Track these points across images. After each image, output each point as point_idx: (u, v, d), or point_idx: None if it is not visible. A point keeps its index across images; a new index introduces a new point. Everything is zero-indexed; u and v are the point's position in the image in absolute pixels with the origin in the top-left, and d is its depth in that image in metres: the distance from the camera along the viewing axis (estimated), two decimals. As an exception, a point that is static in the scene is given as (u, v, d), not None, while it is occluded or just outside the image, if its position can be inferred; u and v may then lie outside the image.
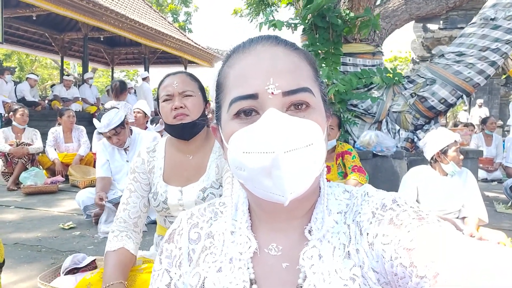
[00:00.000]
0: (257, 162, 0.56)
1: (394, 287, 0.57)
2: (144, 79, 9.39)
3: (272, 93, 0.59)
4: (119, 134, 3.33)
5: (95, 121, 3.35)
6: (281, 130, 0.56)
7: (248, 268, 0.66)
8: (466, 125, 9.07)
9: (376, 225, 0.60)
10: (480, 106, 12.66)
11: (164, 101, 1.61)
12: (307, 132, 0.58)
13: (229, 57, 0.68)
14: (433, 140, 2.82)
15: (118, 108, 3.55)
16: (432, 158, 2.84)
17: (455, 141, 2.76)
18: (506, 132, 11.80)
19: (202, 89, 1.69)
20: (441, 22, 13.70)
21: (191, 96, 1.60)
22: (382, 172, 4.02)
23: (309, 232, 0.66)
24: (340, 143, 3.48)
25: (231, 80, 0.64)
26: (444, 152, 2.75)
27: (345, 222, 0.66)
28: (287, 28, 4.49)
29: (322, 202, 0.67)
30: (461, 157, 2.78)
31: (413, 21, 6.12)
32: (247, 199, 0.73)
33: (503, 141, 7.38)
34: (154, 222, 3.32)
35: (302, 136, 0.57)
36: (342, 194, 0.71)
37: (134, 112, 4.93)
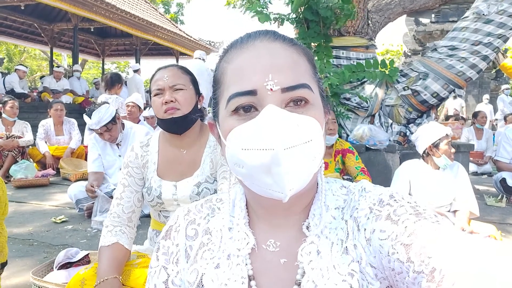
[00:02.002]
0: (256, 158, 0.56)
1: (392, 282, 0.58)
2: (135, 71, 9.29)
3: (271, 89, 0.59)
4: (110, 130, 3.29)
5: (85, 117, 3.30)
6: (280, 127, 0.56)
7: (246, 264, 0.66)
8: (457, 119, 9.15)
9: (374, 220, 0.61)
10: (454, 97, 11.93)
11: (155, 95, 1.59)
12: (306, 129, 0.58)
13: (226, 52, 0.67)
14: (425, 134, 2.84)
15: (108, 103, 3.50)
16: (424, 152, 2.87)
17: (447, 134, 2.79)
18: (495, 126, 11.90)
19: (194, 82, 1.67)
20: (433, 15, 13.74)
21: (182, 89, 1.58)
22: (375, 166, 4.04)
23: (307, 228, 0.66)
24: (338, 140, 3.46)
25: (228, 76, 0.64)
26: (436, 145, 2.78)
27: (342, 218, 0.66)
28: (274, 22, 4.43)
29: (319, 198, 0.67)
30: (453, 150, 2.81)
31: (406, 14, 6.13)
32: (244, 195, 0.73)
33: (493, 134, 7.47)
34: (147, 216, 3.31)
35: (301, 133, 0.57)
36: (340, 190, 0.71)
37: (128, 106, 4.87)
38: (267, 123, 0.56)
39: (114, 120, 3.30)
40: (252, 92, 0.60)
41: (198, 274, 0.67)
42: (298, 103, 0.61)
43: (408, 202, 0.61)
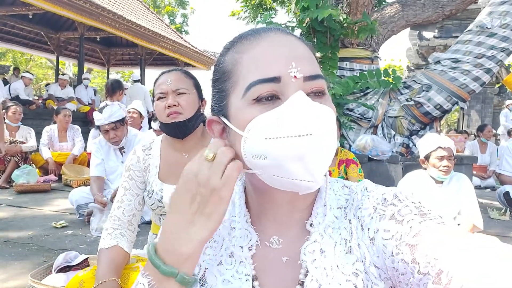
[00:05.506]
0: (289, 146, 0.54)
1: (394, 282, 0.57)
2: (136, 81, 9.32)
3: (295, 76, 0.58)
4: (117, 129, 3.28)
5: (96, 113, 3.31)
6: (315, 112, 0.55)
7: (248, 262, 0.65)
8: (460, 132, 9.12)
9: (377, 220, 0.60)
10: None
11: (158, 99, 1.60)
12: (332, 120, 0.58)
13: (234, 44, 0.65)
14: (420, 146, 2.82)
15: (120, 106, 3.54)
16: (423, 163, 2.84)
17: (439, 147, 2.67)
18: (498, 141, 11.87)
19: (197, 87, 1.67)
20: (436, 30, 13.84)
21: (185, 94, 1.58)
22: (377, 176, 4.02)
23: (311, 225, 0.65)
24: (343, 149, 3.46)
25: (245, 65, 0.61)
26: (427, 158, 2.74)
27: (345, 217, 0.65)
28: None
29: (322, 196, 0.67)
30: (445, 163, 2.66)
31: (409, 28, 6.18)
32: (243, 193, 0.72)
33: (497, 149, 7.45)
34: (148, 223, 3.29)
35: (329, 123, 0.57)
36: (341, 190, 0.70)
37: (129, 113, 4.89)
38: (302, 108, 0.55)
39: (122, 121, 3.32)
40: (276, 79, 0.58)
41: (201, 269, 0.66)
42: (317, 94, 0.60)
43: (412, 202, 0.60)
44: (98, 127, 3.31)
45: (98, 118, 3.24)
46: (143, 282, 0.57)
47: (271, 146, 0.55)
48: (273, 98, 0.58)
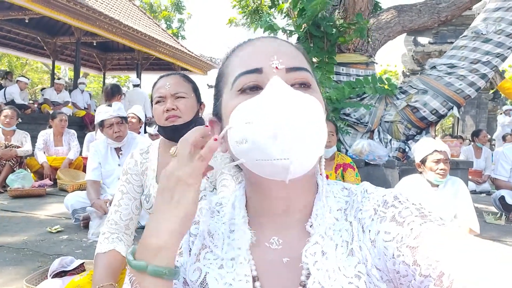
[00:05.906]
0: (263, 125, 0.55)
1: (396, 284, 0.57)
2: (136, 86, 9.30)
3: (277, 67, 0.61)
4: (122, 125, 3.35)
5: (101, 107, 3.36)
6: (288, 94, 0.57)
7: (248, 261, 0.65)
8: (455, 137, 9.17)
9: (378, 222, 0.60)
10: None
11: (156, 102, 1.59)
12: (312, 106, 0.58)
13: (232, 51, 0.70)
14: (416, 150, 2.83)
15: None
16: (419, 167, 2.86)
17: (435, 150, 2.69)
18: (493, 146, 11.92)
19: (196, 91, 1.67)
20: (432, 36, 13.94)
21: (183, 97, 1.58)
22: (374, 181, 4.03)
23: (311, 227, 0.65)
24: (340, 154, 3.47)
25: (233, 63, 0.66)
26: (423, 162, 2.75)
27: (346, 219, 0.65)
28: (283, 33, 4.54)
29: (321, 198, 0.67)
30: (441, 167, 2.69)
31: (405, 33, 6.22)
32: (244, 196, 0.72)
33: (492, 154, 7.50)
34: (143, 228, 3.26)
35: (308, 108, 0.57)
36: (341, 192, 0.70)
37: (128, 117, 4.88)
38: (275, 90, 0.57)
39: (126, 120, 3.43)
40: (258, 70, 0.61)
41: (202, 273, 0.66)
42: (302, 86, 0.62)
43: (413, 204, 0.60)
44: (102, 123, 3.30)
45: (106, 111, 3.29)
46: (126, 280, 0.59)
47: (249, 128, 0.57)
48: (256, 89, 0.61)
